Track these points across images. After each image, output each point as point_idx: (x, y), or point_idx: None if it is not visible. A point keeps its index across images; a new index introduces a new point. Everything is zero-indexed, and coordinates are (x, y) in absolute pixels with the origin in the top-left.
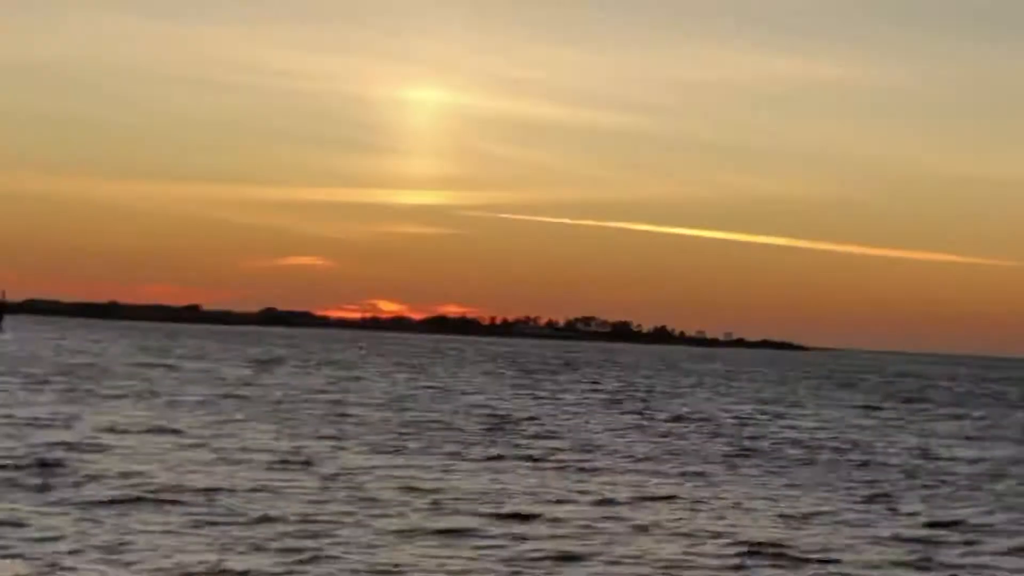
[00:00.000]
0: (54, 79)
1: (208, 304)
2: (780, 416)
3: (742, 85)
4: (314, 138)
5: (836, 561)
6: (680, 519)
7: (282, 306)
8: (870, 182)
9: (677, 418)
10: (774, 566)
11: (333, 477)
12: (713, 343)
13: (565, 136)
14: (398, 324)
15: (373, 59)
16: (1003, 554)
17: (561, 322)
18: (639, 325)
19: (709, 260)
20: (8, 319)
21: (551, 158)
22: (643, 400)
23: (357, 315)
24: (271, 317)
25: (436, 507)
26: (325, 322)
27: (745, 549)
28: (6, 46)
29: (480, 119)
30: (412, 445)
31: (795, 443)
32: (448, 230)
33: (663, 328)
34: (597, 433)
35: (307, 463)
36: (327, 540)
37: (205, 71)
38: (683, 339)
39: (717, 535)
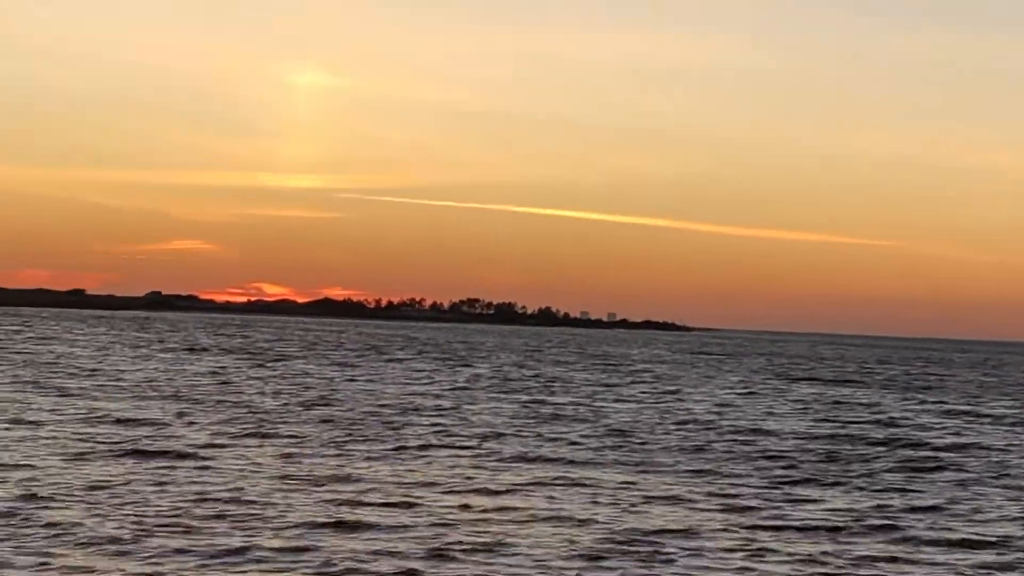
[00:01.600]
0: None
1: (92, 288)
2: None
3: (618, 67)
4: (193, 121)
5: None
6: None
7: (167, 290)
8: (746, 162)
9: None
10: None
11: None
12: (597, 324)
13: (446, 119)
14: (283, 307)
15: (249, 42)
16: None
17: (446, 305)
18: (523, 307)
19: (592, 242)
20: None
21: (431, 140)
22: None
23: (243, 298)
24: (157, 301)
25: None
26: (211, 305)
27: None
28: None
29: (359, 102)
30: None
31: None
32: (331, 213)
33: (547, 309)
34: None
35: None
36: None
37: (82, 50)
38: (567, 320)
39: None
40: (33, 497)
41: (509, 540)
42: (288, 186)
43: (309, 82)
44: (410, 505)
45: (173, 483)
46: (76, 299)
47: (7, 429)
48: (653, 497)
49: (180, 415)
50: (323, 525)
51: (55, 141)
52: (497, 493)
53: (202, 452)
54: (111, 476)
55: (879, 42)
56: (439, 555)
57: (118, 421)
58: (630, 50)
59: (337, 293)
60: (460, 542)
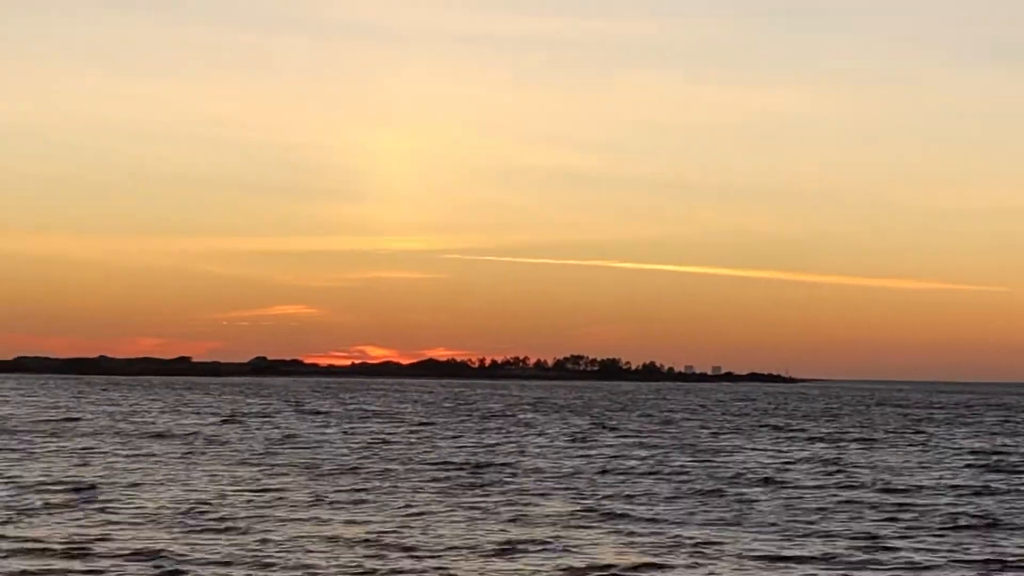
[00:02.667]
0: (29, 139)
1: (198, 356)
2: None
3: (718, 123)
4: (291, 188)
5: None
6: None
7: (272, 355)
8: (850, 214)
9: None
10: None
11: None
12: (702, 378)
13: (542, 179)
14: (387, 369)
15: (347, 109)
16: None
17: (550, 362)
18: (628, 362)
19: (694, 296)
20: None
21: (529, 201)
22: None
23: (347, 361)
24: (262, 366)
25: None
26: (315, 369)
27: None
28: None
29: (460, 165)
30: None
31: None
32: (433, 275)
33: (652, 364)
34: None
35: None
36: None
37: (181, 127)
38: (672, 375)
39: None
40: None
41: None
42: (389, 248)
43: (407, 146)
44: None
45: None
46: (183, 367)
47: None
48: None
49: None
50: None
51: (161, 212)
52: None
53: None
54: None
55: (992, 91)
56: None
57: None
58: (728, 105)
59: (440, 354)
60: None
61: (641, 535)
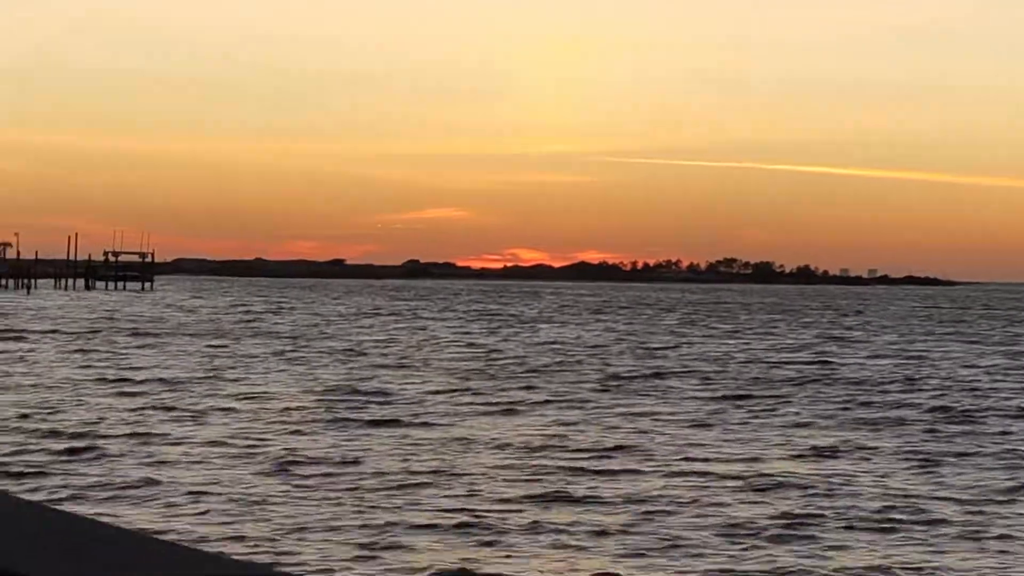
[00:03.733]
0: (190, 46)
1: (352, 258)
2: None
3: (878, 25)
4: (447, 90)
5: None
6: None
7: (424, 258)
8: (1010, 114)
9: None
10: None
11: None
12: (857, 281)
13: (697, 80)
14: (538, 272)
15: (497, 8)
16: None
17: (702, 265)
18: (781, 266)
19: (851, 198)
20: (158, 278)
21: (684, 101)
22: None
23: (499, 264)
24: (415, 269)
25: None
26: (468, 272)
27: None
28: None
29: (610, 66)
30: None
31: None
32: (585, 177)
33: (806, 267)
34: None
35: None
36: None
37: (335, 30)
38: (826, 278)
39: None
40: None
41: None
42: (542, 151)
43: (562, 48)
44: None
45: None
46: (336, 269)
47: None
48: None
49: None
50: None
51: (317, 116)
52: None
53: None
54: None
55: None
56: None
57: None
58: (889, 5)
59: (592, 257)
60: None
61: None
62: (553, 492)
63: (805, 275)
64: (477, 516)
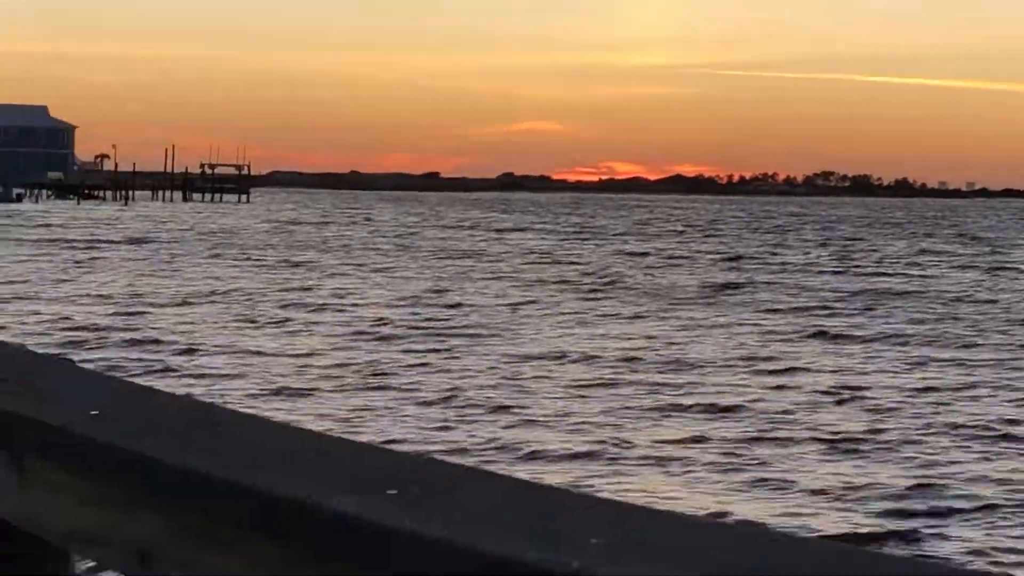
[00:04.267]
0: None
1: (446, 171)
2: None
3: None
4: (539, 2)
5: None
6: None
7: (518, 171)
8: None
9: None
10: None
11: None
12: (955, 194)
13: None
14: (634, 185)
15: None
16: None
17: (799, 179)
18: (879, 179)
19: (950, 110)
20: (253, 191)
21: (780, 15)
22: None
23: (594, 177)
24: (509, 182)
25: None
26: (563, 185)
27: None
28: None
29: None
30: None
31: None
32: (681, 90)
33: (904, 180)
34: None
35: None
36: None
37: None
38: (924, 191)
39: None
40: None
41: None
42: (637, 64)
43: None
44: None
45: None
46: (431, 182)
47: None
48: None
49: None
50: None
51: (442, 30)
52: None
53: None
54: None
55: None
56: None
57: None
58: None
59: (687, 170)
60: None
61: None
62: (668, 404)
63: (903, 187)
64: (583, 427)
